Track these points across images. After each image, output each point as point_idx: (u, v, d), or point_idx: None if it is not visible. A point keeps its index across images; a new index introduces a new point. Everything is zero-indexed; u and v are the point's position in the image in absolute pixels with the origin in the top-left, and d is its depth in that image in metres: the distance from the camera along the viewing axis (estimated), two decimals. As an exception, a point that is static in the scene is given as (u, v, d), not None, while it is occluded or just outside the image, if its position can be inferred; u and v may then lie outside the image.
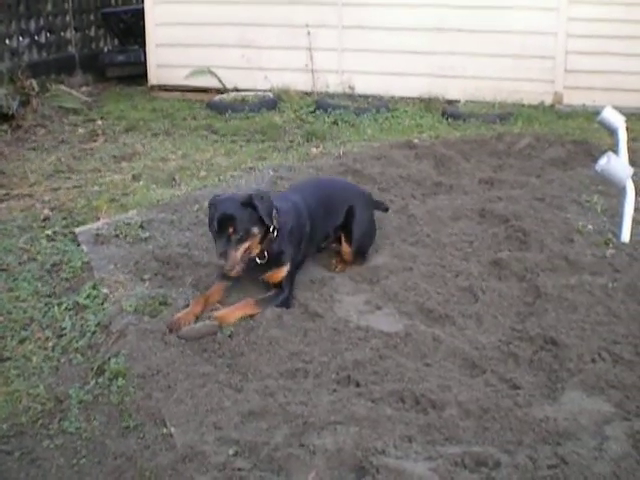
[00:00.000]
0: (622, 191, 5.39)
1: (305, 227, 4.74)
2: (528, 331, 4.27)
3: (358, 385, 3.80)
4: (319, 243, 5.06)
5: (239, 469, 3.18)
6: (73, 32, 11.68)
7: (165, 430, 3.50)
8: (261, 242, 4.45)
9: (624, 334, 4.21)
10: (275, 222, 4.46)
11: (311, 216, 4.81)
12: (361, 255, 5.12)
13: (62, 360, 4.17)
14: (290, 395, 3.69)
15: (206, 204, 5.92)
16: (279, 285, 4.57)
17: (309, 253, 4.97)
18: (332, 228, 5.04)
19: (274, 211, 4.46)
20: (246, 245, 4.35)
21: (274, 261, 4.55)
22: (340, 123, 8.97)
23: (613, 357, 3.99)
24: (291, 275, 4.62)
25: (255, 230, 4.36)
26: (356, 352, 4.04)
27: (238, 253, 4.31)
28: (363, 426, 3.42)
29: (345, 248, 5.06)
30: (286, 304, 4.51)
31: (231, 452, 3.28)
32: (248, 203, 4.33)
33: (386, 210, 5.58)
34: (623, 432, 3.40)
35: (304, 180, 5.55)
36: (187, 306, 4.45)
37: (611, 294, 4.61)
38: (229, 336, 4.16)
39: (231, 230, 4.28)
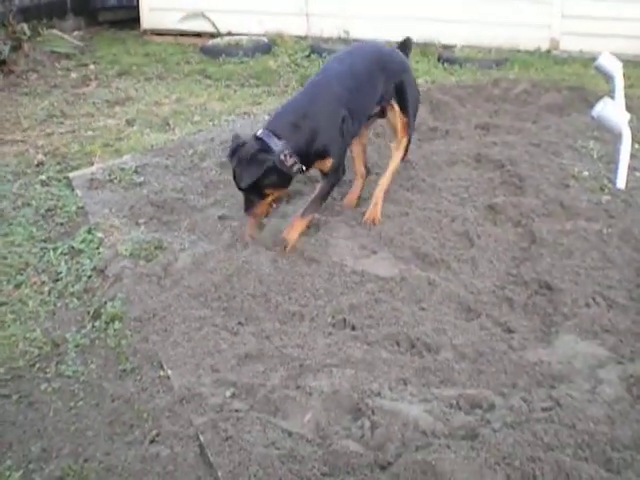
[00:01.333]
0: (618, 137, 5.37)
1: (341, 110, 4.59)
2: (523, 276, 4.28)
3: (354, 328, 3.82)
4: (369, 112, 4.96)
5: (236, 410, 3.20)
6: (64, -25, 11.49)
7: (162, 373, 3.52)
8: (288, 182, 4.53)
9: (618, 279, 4.24)
10: (290, 156, 4.37)
11: (350, 93, 4.67)
12: (411, 126, 5.09)
13: (58, 304, 4.18)
14: (286, 338, 3.71)
15: (200, 148, 5.99)
16: (326, 172, 4.63)
17: (360, 123, 4.90)
18: (379, 97, 4.91)
19: (282, 155, 4.34)
20: (268, 200, 4.51)
21: (319, 155, 4.55)
22: (335, 68, 8.88)
23: (607, 302, 4.01)
24: (338, 159, 4.63)
25: (268, 191, 4.43)
26: (352, 296, 4.06)
27: (260, 208, 4.51)
28: (359, 369, 3.45)
29: (401, 118, 4.99)
30: (335, 184, 4.74)
31: (228, 394, 3.31)
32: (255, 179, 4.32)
33: (411, 43, 5.43)
34: (617, 375, 3.43)
35: (344, 52, 5.27)
36: (184, 249, 4.54)
37: (606, 240, 4.62)
38: (225, 280, 4.16)
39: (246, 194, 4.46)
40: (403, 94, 4.96)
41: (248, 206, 4.49)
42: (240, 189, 4.44)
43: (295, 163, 4.40)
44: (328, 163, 4.58)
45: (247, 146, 4.40)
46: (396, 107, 4.97)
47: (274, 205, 4.73)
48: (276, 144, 4.35)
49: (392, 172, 5.06)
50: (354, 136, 4.88)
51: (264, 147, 4.35)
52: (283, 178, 4.43)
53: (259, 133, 4.43)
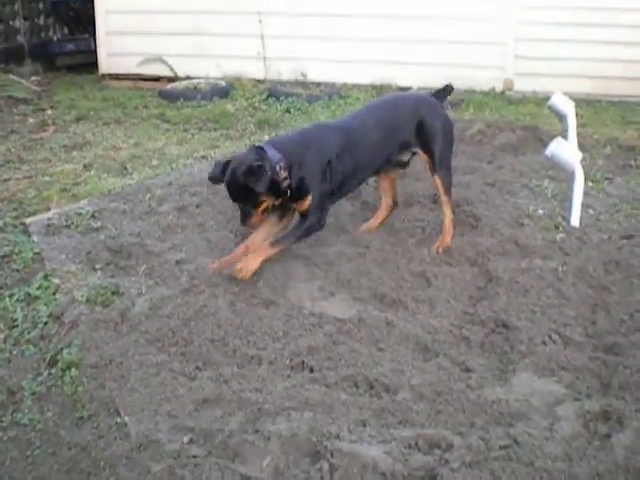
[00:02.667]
0: (571, 176, 5.46)
1: (331, 154, 4.72)
2: (480, 315, 4.32)
3: (312, 371, 3.82)
4: (380, 161, 5.03)
5: (194, 456, 3.18)
6: (22, 21, 11.51)
7: (119, 419, 3.48)
8: (279, 194, 4.56)
9: (574, 316, 4.28)
10: (280, 177, 4.49)
11: (350, 139, 4.80)
12: (445, 167, 5.10)
13: (14, 352, 4.12)
14: (244, 382, 3.69)
15: (158, 192, 5.97)
16: (305, 213, 4.72)
17: (363, 173, 5.02)
18: (397, 143, 5.01)
19: (278, 166, 4.47)
20: (261, 208, 4.51)
21: (298, 194, 4.64)
22: (292, 111, 8.98)
23: (563, 339, 4.05)
24: (319, 202, 4.71)
25: (263, 198, 4.46)
26: (310, 338, 4.06)
27: (256, 218, 4.54)
28: (317, 411, 3.44)
29: (426, 160, 5.06)
30: (312, 230, 4.78)
31: (186, 440, 3.28)
32: (243, 185, 4.36)
33: (451, 89, 5.44)
34: (574, 412, 3.45)
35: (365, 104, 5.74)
36: (141, 294, 4.48)
37: (561, 277, 4.67)
38: (183, 324, 4.14)
39: (241, 204, 4.52)
40: (428, 143, 5.03)
41: (245, 217, 4.54)
42: (234, 198, 4.53)
43: (286, 179, 4.53)
44: (306, 203, 4.65)
45: (246, 155, 4.55)
46: (424, 157, 5.08)
47: (266, 215, 4.72)
48: (274, 154, 4.52)
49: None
50: (353, 186, 5.06)
51: (262, 156, 4.50)
52: (277, 188, 4.49)
53: (259, 144, 4.68)
